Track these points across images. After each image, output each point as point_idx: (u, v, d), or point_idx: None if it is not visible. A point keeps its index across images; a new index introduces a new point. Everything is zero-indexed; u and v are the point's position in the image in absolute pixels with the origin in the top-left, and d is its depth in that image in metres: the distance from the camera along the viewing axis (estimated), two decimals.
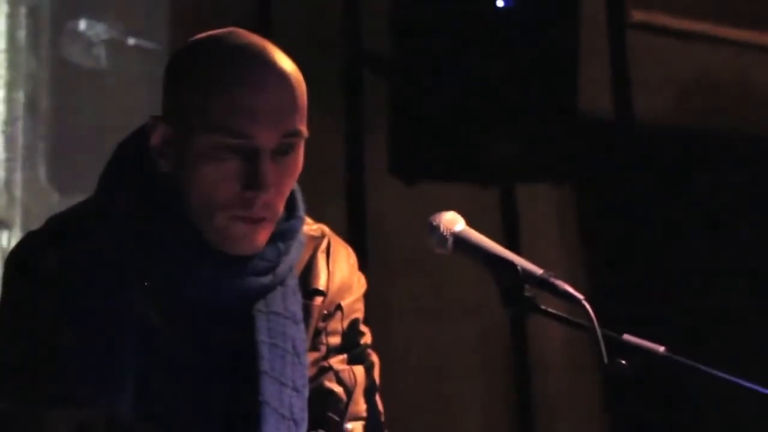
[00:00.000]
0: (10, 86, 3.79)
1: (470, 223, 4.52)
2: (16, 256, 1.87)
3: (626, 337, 1.88)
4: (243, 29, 1.89)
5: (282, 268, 1.88)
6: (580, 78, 3.95)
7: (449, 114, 3.90)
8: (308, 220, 2.00)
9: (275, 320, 1.87)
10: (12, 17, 3.83)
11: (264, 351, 1.84)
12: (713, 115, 4.64)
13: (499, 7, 3.88)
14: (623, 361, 1.85)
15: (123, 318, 1.79)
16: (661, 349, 1.87)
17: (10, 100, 3.79)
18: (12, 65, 3.81)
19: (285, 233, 1.88)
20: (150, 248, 1.82)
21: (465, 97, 3.88)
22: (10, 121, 3.79)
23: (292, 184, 1.86)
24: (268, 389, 1.83)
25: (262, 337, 1.85)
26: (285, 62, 1.84)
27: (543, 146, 4.01)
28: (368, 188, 3.93)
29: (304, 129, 1.84)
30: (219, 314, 1.85)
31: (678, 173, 4.54)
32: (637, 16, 4.50)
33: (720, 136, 4.64)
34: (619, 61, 4.27)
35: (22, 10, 3.85)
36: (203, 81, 1.81)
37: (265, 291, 1.87)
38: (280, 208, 1.85)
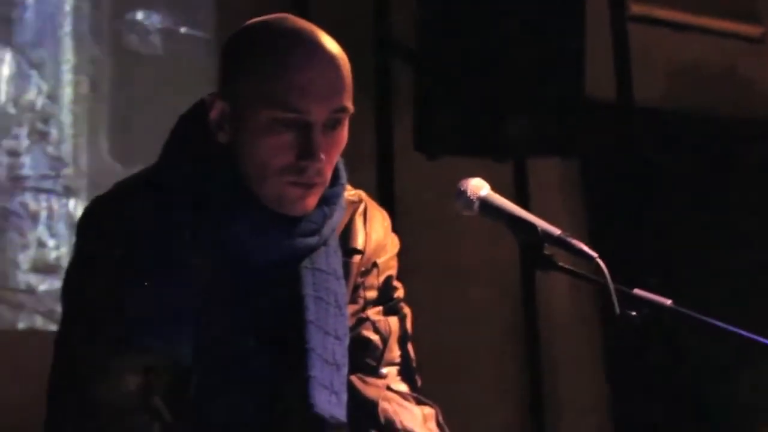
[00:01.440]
0: (76, 70, 3.79)
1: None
2: (86, 216, 1.85)
3: (636, 291, 1.86)
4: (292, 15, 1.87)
5: (326, 229, 1.87)
6: (585, 64, 3.93)
7: (467, 97, 3.88)
8: (348, 186, 1.98)
9: (319, 276, 1.86)
10: (77, 9, 3.83)
11: (310, 303, 1.83)
12: (702, 97, 4.63)
13: (512, 2, 3.87)
14: (633, 313, 1.84)
15: (183, 272, 1.78)
16: (668, 302, 1.85)
17: (75, 83, 3.79)
18: (77, 52, 3.81)
19: (329, 198, 1.87)
20: (208, 209, 1.81)
21: (481, 81, 3.87)
22: (76, 101, 3.79)
23: (338, 154, 1.85)
24: (314, 337, 1.82)
25: (308, 290, 1.84)
26: (333, 45, 1.82)
27: (551, 125, 3.99)
28: (395, 162, 3.91)
29: (350, 105, 1.83)
30: (270, 270, 1.84)
31: (671, 149, 4.54)
32: (636, 9, 4.49)
33: (708, 116, 4.63)
34: (620, 50, 4.27)
35: (86, 3, 3.84)
36: (260, 62, 1.79)
37: (312, 250, 1.86)
38: (329, 176, 1.84)
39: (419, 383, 2.00)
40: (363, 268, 1.95)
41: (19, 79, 3.69)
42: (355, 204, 1.97)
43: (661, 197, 4.46)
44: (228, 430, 1.84)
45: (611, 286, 1.84)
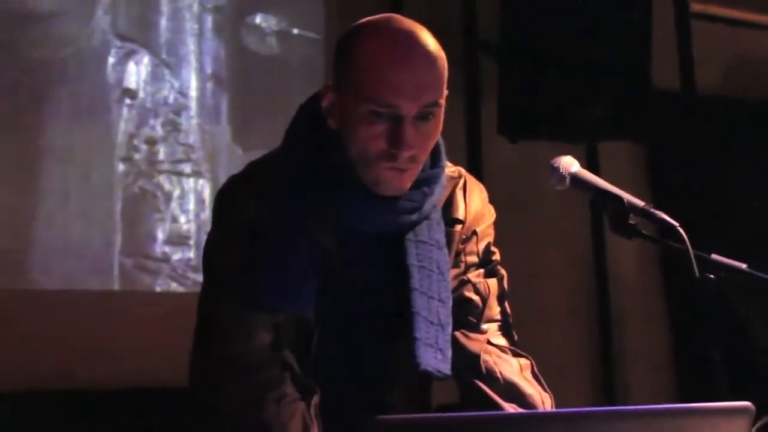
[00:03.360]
0: (202, 68, 3.80)
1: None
2: (222, 193, 1.86)
3: (714, 256, 1.80)
4: (399, 15, 1.84)
5: (427, 206, 1.85)
6: (652, 56, 3.84)
7: (545, 86, 3.81)
8: (448, 164, 1.95)
9: (422, 247, 1.83)
10: (202, 14, 3.83)
11: (414, 272, 1.81)
12: (758, 86, 4.52)
13: (586, 1, 3.80)
14: (711, 276, 1.78)
15: (306, 242, 1.77)
16: (744, 266, 1.79)
17: (202, 79, 3.80)
18: (203, 52, 3.82)
19: (429, 179, 1.85)
20: (323, 187, 1.80)
21: (558, 72, 3.80)
22: (202, 95, 3.80)
23: (432, 142, 1.81)
24: (418, 302, 1.80)
25: (412, 260, 1.82)
26: (429, 44, 1.78)
27: (621, 112, 3.91)
28: (483, 145, 3.86)
29: (442, 100, 1.79)
30: (378, 242, 1.82)
31: (729, 133, 4.43)
32: (696, 7, 4.39)
33: (763, 103, 4.53)
34: (683, 43, 4.16)
35: (210, 9, 3.85)
36: (360, 59, 1.76)
37: (413, 225, 1.83)
38: (422, 160, 1.81)
39: (516, 337, 1.96)
40: (464, 236, 1.92)
41: (155, 77, 3.71)
42: (455, 179, 1.95)
43: (721, 180, 4.36)
44: (344, 381, 1.84)
45: (691, 251, 1.79)
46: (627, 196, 1.87)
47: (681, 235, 1.80)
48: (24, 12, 3.52)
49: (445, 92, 1.81)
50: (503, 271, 1.99)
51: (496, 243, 2.01)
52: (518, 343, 1.96)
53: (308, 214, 1.78)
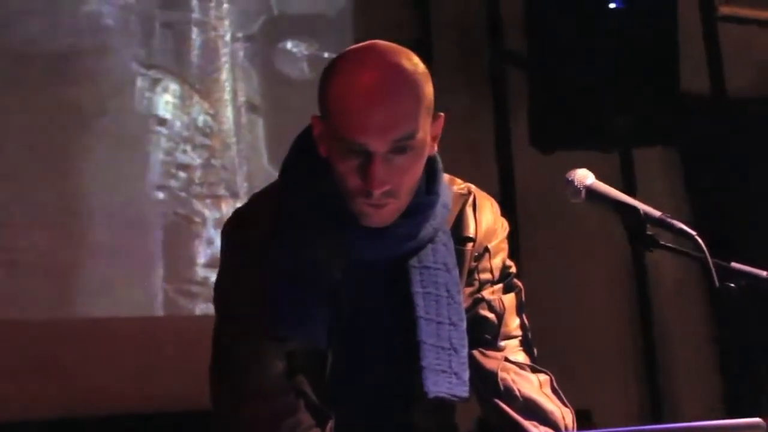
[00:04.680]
0: (236, 93, 3.79)
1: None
2: (226, 226, 1.83)
3: (734, 264, 1.73)
4: (384, 41, 1.76)
5: (424, 233, 1.78)
6: (681, 61, 3.76)
7: (575, 96, 3.74)
8: (457, 180, 1.90)
9: (426, 273, 1.77)
10: (234, 42, 3.83)
11: (418, 299, 1.76)
12: None
13: (611, 8, 3.72)
14: (732, 284, 1.71)
15: (312, 272, 1.73)
16: (765, 273, 1.72)
17: (236, 104, 3.79)
18: (235, 77, 3.81)
19: (422, 207, 1.77)
20: (321, 218, 1.75)
21: (587, 81, 3.73)
22: (236, 120, 3.79)
23: (411, 175, 1.73)
24: (424, 329, 1.74)
25: (416, 288, 1.76)
26: (403, 75, 1.70)
27: (653, 118, 3.82)
28: (514, 157, 3.79)
29: (419, 131, 1.70)
30: (383, 269, 1.77)
31: (762, 136, 4.32)
32: (724, 10, 4.29)
33: None
34: (711, 47, 4.07)
35: (241, 36, 3.84)
36: (330, 95, 1.71)
37: (409, 254, 1.77)
38: (403, 193, 1.73)
39: (535, 352, 1.90)
40: (476, 254, 1.86)
41: (186, 104, 3.70)
42: (465, 196, 1.88)
43: (758, 181, 4.25)
44: (363, 407, 1.80)
45: (710, 260, 1.72)
46: (643, 207, 1.80)
47: (699, 243, 1.73)
48: (59, 50, 3.54)
49: (428, 120, 1.73)
50: (520, 284, 1.93)
51: (521, 258, 1.95)
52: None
53: (311, 244, 1.74)
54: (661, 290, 4.24)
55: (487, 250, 1.87)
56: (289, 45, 3.91)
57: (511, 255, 3.86)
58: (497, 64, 3.93)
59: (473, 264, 1.86)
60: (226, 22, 3.82)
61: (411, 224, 1.77)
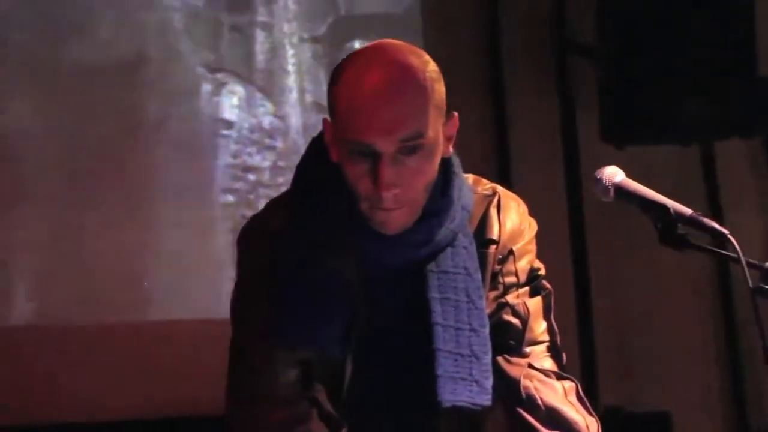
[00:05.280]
0: (301, 93, 3.78)
1: (675, 176, 4.17)
2: (241, 235, 1.79)
3: None
4: (394, 40, 1.71)
5: (441, 237, 1.71)
6: (757, 47, 3.58)
7: (648, 87, 3.59)
8: (483, 181, 1.83)
9: (444, 278, 1.70)
10: (301, 43, 3.81)
11: (435, 305, 1.69)
12: None
13: None
14: (766, 287, 1.60)
15: (325, 279, 1.68)
16: None
17: (303, 105, 3.78)
18: (302, 79, 3.79)
19: (437, 211, 1.70)
20: (334, 225, 1.70)
21: (660, 70, 3.58)
22: (303, 119, 3.77)
23: (424, 177, 1.66)
24: (441, 336, 1.68)
25: (433, 294, 1.69)
26: (410, 73, 1.64)
27: (731, 108, 3.65)
28: (581, 153, 3.66)
29: (427, 129, 1.64)
30: (401, 275, 1.71)
31: None
32: None
33: None
34: None
35: (308, 37, 3.82)
36: (338, 96, 1.65)
37: (426, 259, 1.71)
38: (415, 197, 1.66)
39: (564, 358, 1.81)
40: (500, 256, 1.77)
41: (252, 106, 3.70)
42: (489, 197, 1.80)
43: None
44: (381, 418, 1.74)
45: (743, 261, 1.61)
46: (673, 204, 1.70)
47: (733, 243, 1.63)
48: (125, 57, 3.57)
49: (439, 120, 1.67)
50: (549, 287, 1.83)
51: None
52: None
53: (324, 252, 1.69)
54: (745, 291, 4.06)
55: (511, 252, 1.79)
56: (356, 45, 3.87)
57: (577, 254, 3.74)
58: (565, 56, 3.79)
59: (497, 267, 1.78)
60: (293, 24, 3.81)
61: (426, 229, 1.70)
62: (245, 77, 3.70)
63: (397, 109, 1.62)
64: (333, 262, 1.69)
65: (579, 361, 3.53)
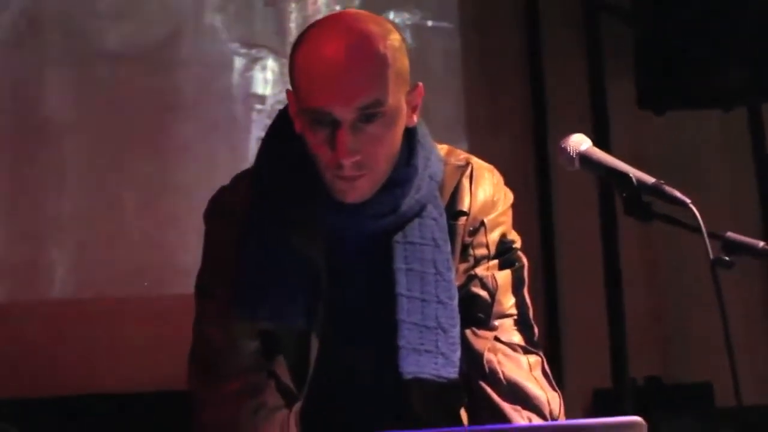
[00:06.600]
0: None
1: (718, 141, 4.02)
2: (209, 204, 1.81)
3: (729, 234, 1.56)
4: (356, 10, 1.74)
5: (406, 207, 1.69)
6: None
7: (687, 49, 3.44)
8: (457, 152, 1.81)
9: (411, 248, 1.69)
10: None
11: (400, 276, 1.67)
12: None
13: None
14: (726, 258, 1.54)
15: (287, 252, 1.68)
16: (761, 243, 1.54)
17: None
18: None
19: (401, 181, 1.69)
20: (296, 196, 1.69)
21: (700, 34, 3.44)
22: None
23: (386, 146, 1.65)
24: (405, 308, 1.66)
25: (399, 264, 1.68)
26: (370, 40, 1.62)
27: None
28: (612, 120, 3.55)
29: (386, 96, 1.62)
30: (367, 248, 1.70)
31: None
32: None
33: None
34: None
35: (340, 8, 3.78)
36: (296, 64, 1.65)
37: (393, 229, 1.69)
38: (377, 165, 1.65)
39: (536, 331, 1.77)
40: (470, 228, 1.75)
41: (284, 78, 3.69)
42: (462, 168, 1.78)
43: None
44: (351, 392, 1.73)
45: (704, 230, 1.55)
46: (636, 173, 1.64)
47: (694, 212, 1.57)
48: (159, 36, 3.59)
49: (401, 88, 1.66)
50: (524, 260, 1.80)
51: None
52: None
53: (285, 222, 1.68)
54: None
55: (483, 224, 1.76)
56: (391, 15, 3.84)
57: (607, 220, 3.60)
58: (593, 16, 3.66)
59: (468, 239, 1.75)
60: None
61: (389, 198, 1.68)
62: (279, 52, 3.69)
63: (355, 77, 1.60)
64: (296, 235, 1.69)
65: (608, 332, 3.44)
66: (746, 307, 3.80)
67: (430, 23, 3.88)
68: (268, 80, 3.68)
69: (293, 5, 3.77)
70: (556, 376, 1.70)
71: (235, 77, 3.65)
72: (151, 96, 3.57)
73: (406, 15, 3.87)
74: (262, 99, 3.67)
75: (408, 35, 3.86)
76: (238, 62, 3.66)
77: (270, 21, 3.72)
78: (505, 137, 3.76)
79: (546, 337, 3.60)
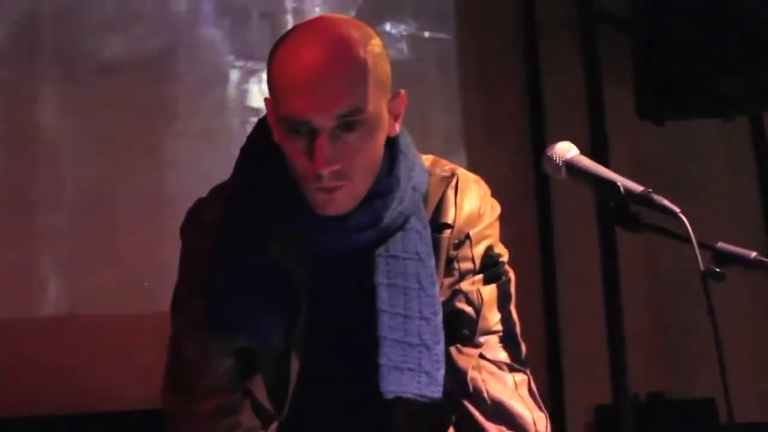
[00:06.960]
0: None
1: (720, 151, 3.96)
2: (186, 217, 1.75)
3: (720, 244, 1.50)
4: (335, 15, 1.66)
5: (389, 220, 1.63)
6: None
7: (687, 58, 3.41)
8: (442, 162, 1.75)
9: (393, 263, 1.62)
10: None
11: (382, 292, 1.61)
12: None
13: None
14: (717, 269, 1.48)
15: (266, 267, 1.62)
16: (752, 254, 1.48)
17: None
18: None
19: (382, 192, 1.63)
20: (273, 208, 1.64)
21: (699, 43, 3.39)
22: None
23: (365, 155, 1.59)
24: (387, 324, 1.60)
25: (381, 279, 1.62)
26: (349, 47, 1.57)
27: None
28: (611, 130, 3.49)
29: (366, 104, 1.56)
30: (348, 263, 1.64)
31: None
32: None
33: None
34: None
35: None
36: (273, 72, 1.61)
37: (375, 243, 1.63)
38: (357, 175, 1.59)
39: (523, 348, 1.70)
40: (455, 241, 1.69)
41: None
42: (447, 179, 1.72)
43: None
44: (333, 410, 1.68)
45: (694, 241, 1.49)
46: (624, 182, 1.59)
47: (684, 222, 1.51)
48: (155, 48, 3.56)
49: (382, 96, 1.60)
50: (511, 274, 1.73)
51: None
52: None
53: (262, 236, 1.63)
54: None
55: (468, 237, 1.70)
56: (387, 26, 3.80)
57: (604, 241, 3.53)
58: (590, 25, 3.61)
59: (452, 252, 1.69)
60: (323, 9, 3.75)
61: (370, 211, 1.63)
62: None
63: (334, 84, 1.55)
64: (275, 250, 1.63)
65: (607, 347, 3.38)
66: (755, 321, 3.73)
67: (426, 34, 3.85)
68: (264, 93, 3.63)
69: (289, 17, 3.74)
70: (557, 392, 1.65)
71: (231, 90, 3.62)
72: (146, 109, 3.54)
73: (403, 26, 3.84)
74: (257, 112, 3.62)
75: (405, 46, 3.83)
76: (234, 75, 3.62)
77: (266, 33, 3.68)
78: (504, 148, 3.72)
79: (547, 352, 3.54)
